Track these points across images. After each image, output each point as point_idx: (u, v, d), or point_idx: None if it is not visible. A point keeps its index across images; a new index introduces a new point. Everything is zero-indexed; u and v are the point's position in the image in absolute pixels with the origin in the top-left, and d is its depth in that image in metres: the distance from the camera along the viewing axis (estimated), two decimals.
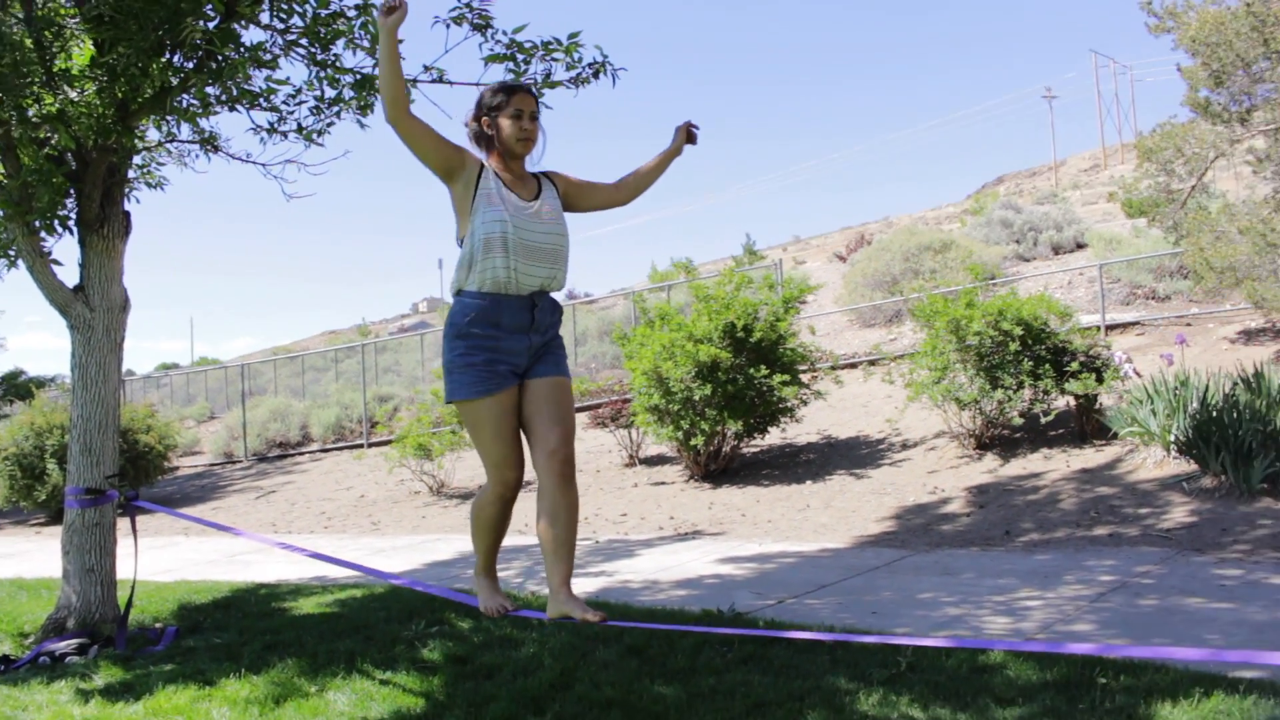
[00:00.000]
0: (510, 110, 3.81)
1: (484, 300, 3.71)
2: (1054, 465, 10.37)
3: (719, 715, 4.35)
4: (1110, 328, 15.82)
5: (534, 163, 3.95)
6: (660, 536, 10.00)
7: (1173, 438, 9.46)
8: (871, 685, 4.58)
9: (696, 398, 11.52)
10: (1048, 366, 10.75)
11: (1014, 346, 10.73)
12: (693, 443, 11.76)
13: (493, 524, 4.00)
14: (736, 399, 11.65)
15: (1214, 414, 8.98)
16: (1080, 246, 23.06)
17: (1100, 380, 10.60)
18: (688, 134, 4.14)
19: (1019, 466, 10.56)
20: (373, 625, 6.60)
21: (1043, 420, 11.05)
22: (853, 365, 16.67)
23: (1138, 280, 18.34)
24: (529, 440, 3.83)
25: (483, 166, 3.79)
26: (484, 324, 3.72)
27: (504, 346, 3.74)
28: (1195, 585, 6.44)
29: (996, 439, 11.34)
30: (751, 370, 11.58)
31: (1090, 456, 10.41)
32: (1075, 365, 10.72)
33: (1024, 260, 23.08)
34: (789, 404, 12.19)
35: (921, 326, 11.64)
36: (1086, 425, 10.94)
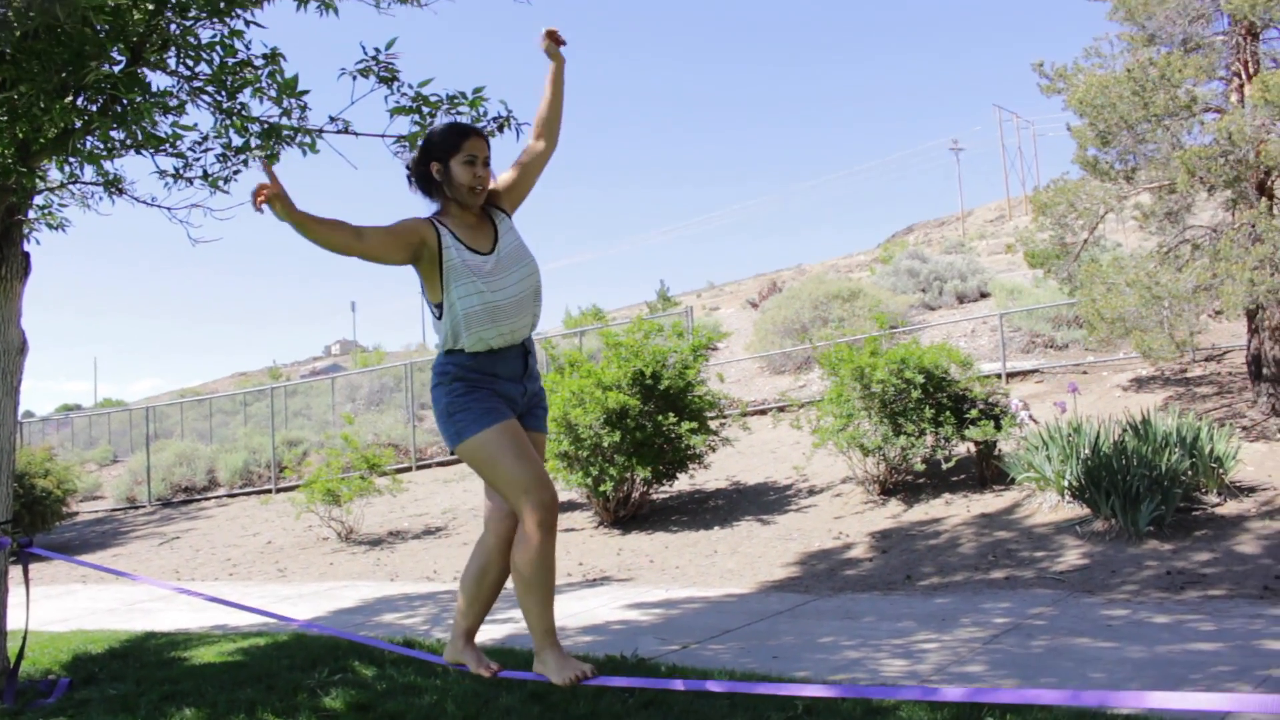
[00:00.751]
0: (463, 156, 3.56)
1: (477, 358, 3.54)
2: (955, 510, 10.62)
3: None
4: (1011, 375, 16.27)
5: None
6: (568, 583, 10.01)
7: (1066, 483, 9.76)
8: None
9: (605, 444, 11.59)
10: (949, 414, 11.04)
11: (916, 394, 11.01)
12: (602, 489, 11.82)
13: (547, 563, 3.48)
14: (645, 446, 11.74)
15: (1104, 460, 9.30)
16: (984, 295, 23.68)
17: (999, 427, 10.91)
18: (551, 39, 3.87)
19: (921, 512, 10.79)
20: (275, 674, 6.51)
21: (944, 466, 11.32)
22: (762, 412, 16.89)
23: (1037, 329, 18.89)
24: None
25: (438, 233, 3.51)
26: (479, 373, 3.54)
27: (500, 390, 3.57)
28: (1084, 626, 6.65)
29: (900, 484, 11.58)
30: (660, 417, 11.70)
31: (990, 501, 10.69)
32: (975, 413, 11.02)
33: (930, 309, 23.63)
34: (697, 451, 12.31)
35: (827, 374, 11.87)
36: (986, 471, 11.23)
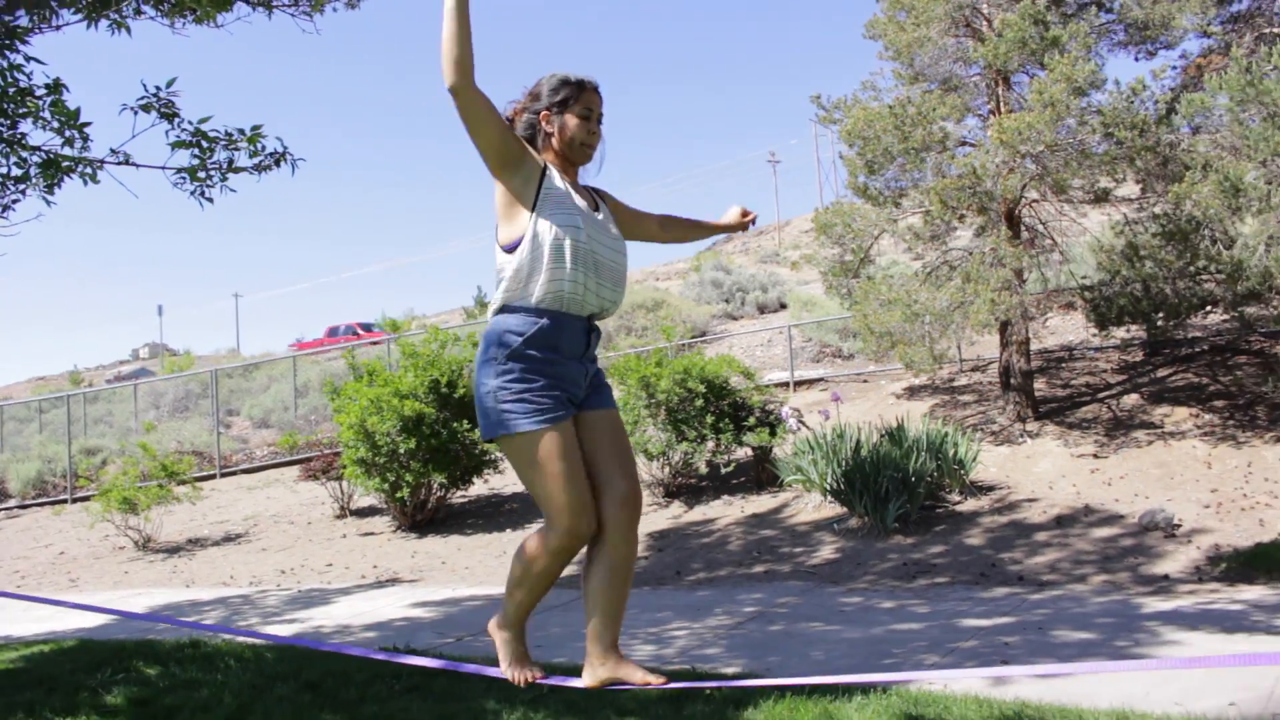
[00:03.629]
0: (578, 108, 3.27)
1: (542, 319, 3.11)
2: (731, 511, 11.42)
3: None
4: (799, 383, 17.30)
5: (589, 176, 3.41)
6: (360, 584, 10.37)
7: (828, 484, 10.65)
8: (515, 705, 5.22)
9: (401, 451, 11.97)
10: (728, 421, 11.83)
11: (699, 402, 11.76)
12: (399, 494, 12.19)
13: (546, 578, 3.27)
14: (441, 452, 12.17)
15: (859, 463, 10.21)
16: (783, 306, 24.90)
17: (774, 433, 11.75)
18: (741, 222, 3.76)
19: (700, 513, 11.55)
20: (58, 677, 6.70)
21: (724, 470, 12.11)
22: None
23: (826, 340, 20.10)
24: (590, 485, 3.18)
25: (545, 166, 3.21)
26: (541, 346, 3.11)
27: (562, 373, 3.15)
28: (820, 612, 7.44)
29: (684, 487, 12.34)
30: (455, 424, 12.15)
31: (763, 502, 11.52)
32: (753, 420, 11.85)
33: (732, 319, 24.71)
34: (491, 456, 12.80)
35: (617, 384, 12.53)
36: (762, 474, 12.07)
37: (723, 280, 26.39)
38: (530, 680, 3.39)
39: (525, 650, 3.45)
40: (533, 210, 3.13)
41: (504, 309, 3.18)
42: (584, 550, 3.24)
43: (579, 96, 3.27)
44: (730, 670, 5.80)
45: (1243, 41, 13.41)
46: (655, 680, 3.23)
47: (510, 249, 3.16)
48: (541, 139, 3.30)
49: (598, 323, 3.31)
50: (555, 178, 3.20)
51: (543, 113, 3.29)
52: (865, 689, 4.97)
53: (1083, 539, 9.17)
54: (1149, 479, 10.67)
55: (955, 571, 8.58)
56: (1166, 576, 8.05)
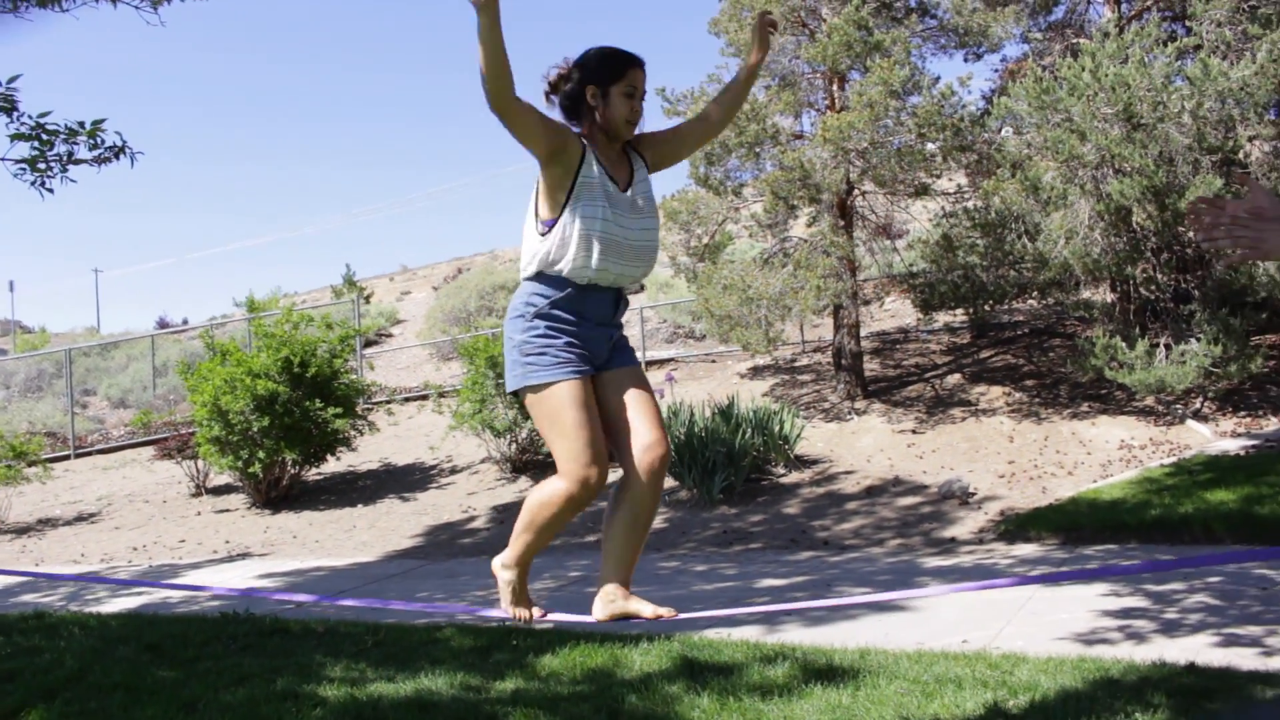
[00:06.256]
0: (624, 85, 3.32)
1: (570, 288, 3.25)
2: None
3: (207, 686, 5.34)
4: (652, 363, 18.00)
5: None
6: (211, 559, 10.71)
7: None
8: (340, 658, 5.74)
9: (255, 429, 12.29)
10: None
11: None
12: (251, 471, 12.51)
13: (554, 526, 3.34)
14: (294, 430, 12.53)
15: (690, 438, 10.92)
16: (642, 289, 25.60)
17: None
18: (764, 30, 3.55)
19: None
20: None
21: None
22: (424, 397, 17.87)
23: (680, 321, 20.87)
24: (615, 435, 3.29)
25: (584, 149, 3.27)
26: (567, 309, 3.26)
27: (585, 335, 3.28)
28: (638, 576, 8.02)
29: (530, 463, 12.91)
30: (308, 403, 12.52)
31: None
32: None
33: None
34: (345, 434, 13.19)
35: (466, 363, 13.04)
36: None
37: None
38: (529, 618, 3.48)
39: (526, 591, 3.52)
40: (566, 201, 3.22)
41: (535, 276, 3.29)
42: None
43: (625, 74, 3.31)
44: (544, 627, 6.40)
45: (1053, 49, 14.50)
46: (665, 613, 3.36)
47: (545, 228, 3.26)
48: (585, 111, 3.33)
49: (626, 290, 3.44)
50: (592, 163, 3.26)
51: (589, 87, 3.31)
52: (651, 636, 5.63)
53: (888, 507, 10.04)
54: (957, 452, 11.63)
55: (769, 538, 9.35)
56: (953, 539, 8.94)
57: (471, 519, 11.23)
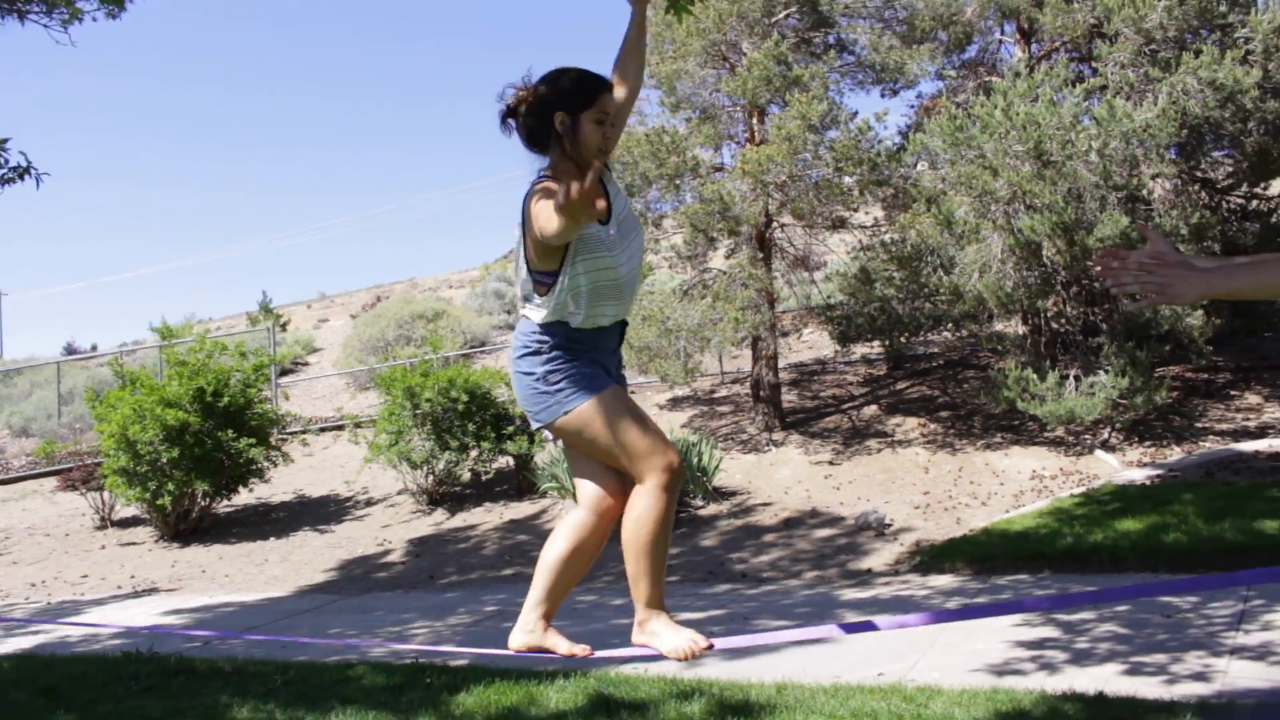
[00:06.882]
0: (595, 112, 3.10)
1: (582, 332, 3.15)
2: (491, 517, 11.92)
3: None
4: None
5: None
6: (116, 595, 10.39)
7: None
8: (247, 698, 5.58)
9: (164, 460, 11.99)
10: (489, 430, 12.33)
11: (462, 411, 12.22)
12: (160, 503, 12.19)
13: (667, 526, 3.13)
14: (205, 461, 12.24)
15: None
16: None
17: (532, 442, 12.32)
18: None
19: (462, 519, 12.02)
20: None
21: (484, 478, 12.61)
22: (340, 427, 17.60)
23: None
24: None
25: None
26: (580, 339, 3.15)
27: (598, 356, 3.19)
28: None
29: (448, 495, 12.76)
30: (220, 433, 12.24)
31: (523, 509, 12.07)
32: (512, 429, 12.38)
33: (512, 330, 25.21)
34: (258, 465, 12.92)
35: (383, 394, 12.87)
36: (523, 482, 12.62)
37: (505, 291, 26.87)
38: (705, 646, 3.10)
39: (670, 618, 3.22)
40: (564, 259, 3.04)
41: (546, 325, 3.14)
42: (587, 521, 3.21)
43: (596, 99, 3.10)
44: (459, 664, 6.30)
45: (966, 87, 14.82)
46: (580, 651, 3.21)
47: (543, 281, 3.09)
48: (553, 139, 3.12)
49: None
50: None
51: (558, 114, 3.09)
52: (567, 673, 5.56)
53: (805, 539, 10.08)
54: (873, 483, 11.74)
55: (687, 571, 9.33)
56: (869, 570, 8.99)
57: (387, 552, 11.04)
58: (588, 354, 3.14)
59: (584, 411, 3.08)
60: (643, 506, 3.09)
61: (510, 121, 3.18)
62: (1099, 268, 2.27)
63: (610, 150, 3.17)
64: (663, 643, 3.11)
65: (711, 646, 3.09)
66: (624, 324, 3.31)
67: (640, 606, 3.18)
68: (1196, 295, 2.18)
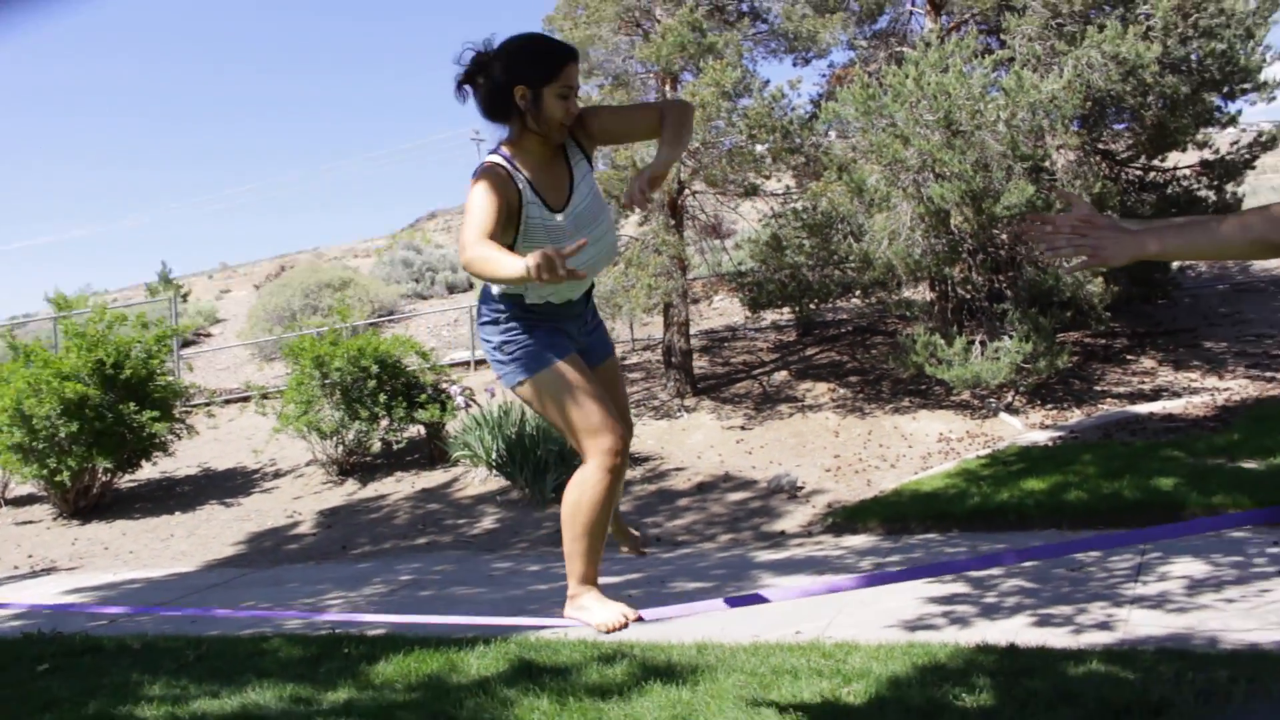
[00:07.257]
0: (558, 86, 2.99)
1: (540, 304, 3.16)
2: (403, 487, 11.80)
3: (7, 715, 5.00)
4: (481, 362, 17.79)
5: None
6: (12, 575, 10.10)
7: (493, 459, 11.22)
8: (159, 675, 5.45)
9: (62, 435, 11.62)
10: (400, 399, 12.18)
11: (372, 382, 12.05)
12: (58, 480, 11.83)
13: (606, 506, 3.11)
14: (106, 435, 11.89)
15: (521, 438, 10.83)
16: (473, 286, 25.33)
17: (444, 410, 12.21)
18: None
19: (373, 489, 11.88)
20: None
21: (396, 447, 12.48)
22: (246, 399, 17.24)
23: None
24: None
25: (519, 189, 3.02)
26: (538, 314, 3.16)
27: (559, 324, 3.18)
28: (471, 577, 7.98)
29: (358, 465, 12.60)
30: (122, 407, 11.90)
31: (434, 478, 11.97)
32: (424, 398, 12.26)
33: (422, 298, 24.91)
34: (161, 439, 12.60)
35: (291, 364, 12.63)
36: (434, 451, 12.51)
37: (413, 260, 26.53)
38: (626, 621, 3.14)
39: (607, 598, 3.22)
40: (514, 242, 3.02)
41: (501, 296, 3.15)
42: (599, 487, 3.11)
43: (559, 73, 2.99)
44: (376, 633, 6.23)
45: (878, 57, 14.95)
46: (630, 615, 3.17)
47: None
48: (513, 112, 3.04)
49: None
50: (530, 198, 3.03)
51: (519, 88, 2.99)
52: (487, 639, 5.53)
53: (718, 503, 10.16)
54: (785, 448, 11.86)
55: None
56: (783, 533, 9.10)
57: (297, 524, 10.87)
58: (547, 321, 3.16)
59: (528, 388, 3.15)
60: (584, 486, 3.10)
61: (465, 87, 3.09)
62: (1030, 233, 2.31)
63: (571, 122, 3.06)
64: (593, 616, 3.15)
65: (641, 619, 3.15)
66: (587, 294, 3.32)
67: (574, 582, 3.21)
68: (1128, 257, 2.23)
